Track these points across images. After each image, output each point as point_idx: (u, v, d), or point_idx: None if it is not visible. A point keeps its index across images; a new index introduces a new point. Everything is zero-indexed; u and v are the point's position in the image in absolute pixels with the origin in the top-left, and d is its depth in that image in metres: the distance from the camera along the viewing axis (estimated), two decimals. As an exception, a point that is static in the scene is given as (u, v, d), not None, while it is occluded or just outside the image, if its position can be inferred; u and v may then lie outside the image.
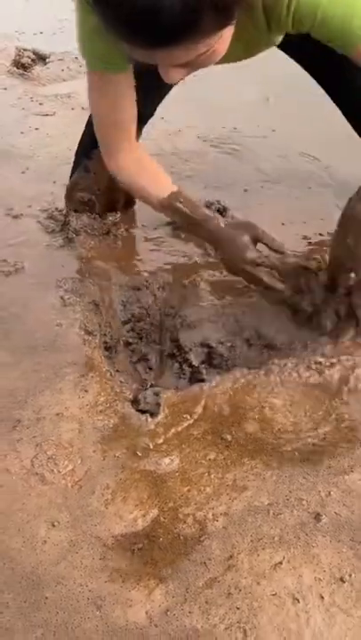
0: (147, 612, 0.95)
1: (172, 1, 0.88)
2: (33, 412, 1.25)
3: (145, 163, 1.47)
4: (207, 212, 1.43)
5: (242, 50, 1.30)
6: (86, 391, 1.31)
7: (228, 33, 1.06)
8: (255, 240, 1.41)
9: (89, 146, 1.68)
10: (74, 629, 0.93)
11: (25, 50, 2.84)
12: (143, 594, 0.97)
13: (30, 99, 2.47)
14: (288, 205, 1.90)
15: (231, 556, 1.02)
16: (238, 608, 0.96)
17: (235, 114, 2.39)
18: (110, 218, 1.80)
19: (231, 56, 1.19)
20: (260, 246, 1.43)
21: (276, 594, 0.98)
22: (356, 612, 0.96)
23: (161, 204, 1.42)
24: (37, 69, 2.72)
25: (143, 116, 1.57)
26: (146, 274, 1.60)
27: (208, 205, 1.82)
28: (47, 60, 2.80)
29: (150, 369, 1.46)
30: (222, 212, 1.82)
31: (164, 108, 2.43)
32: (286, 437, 1.22)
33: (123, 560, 1.02)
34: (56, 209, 1.83)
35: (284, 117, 2.30)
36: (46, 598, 0.97)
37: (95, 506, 1.09)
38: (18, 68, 2.67)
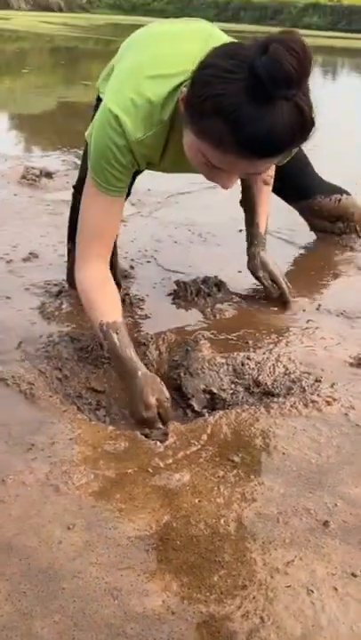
0: (163, 601, 0.96)
1: (286, 128, 1.12)
2: (47, 437, 1.29)
3: (108, 284, 1.53)
4: (134, 354, 1.43)
5: None
6: (97, 423, 1.36)
7: None
8: (159, 403, 1.40)
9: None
10: (91, 615, 0.93)
11: (33, 168, 3.13)
12: (159, 585, 0.98)
13: (39, 201, 2.71)
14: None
15: (244, 555, 1.04)
16: (254, 598, 0.97)
17: (219, 214, 2.65)
18: (122, 291, 1.93)
19: None
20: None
21: (290, 586, 0.99)
22: (371, 601, 0.97)
23: (100, 326, 1.45)
24: (44, 181, 2.98)
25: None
26: (151, 332, 1.70)
27: (206, 280, 1.98)
28: (53, 176, 3.07)
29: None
30: (219, 285, 1.97)
31: (169, 213, 2.69)
32: (291, 460, 1.27)
33: (138, 558, 1.03)
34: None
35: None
36: (63, 589, 0.97)
37: (109, 513, 1.11)
38: (27, 180, 2.93)
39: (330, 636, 0.92)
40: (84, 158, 1.85)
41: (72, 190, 1.88)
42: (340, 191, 2.38)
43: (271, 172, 1.85)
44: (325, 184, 2.34)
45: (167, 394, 1.41)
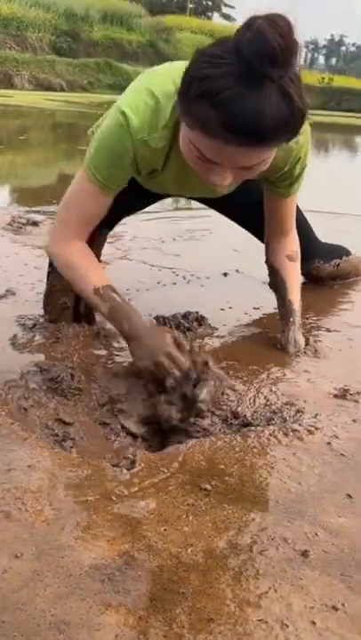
0: (116, 636, 0.84)
1: (272, 111, 1.11)
2: (3, 464, 1.19)
3: (89, 254, 1.58)
4: (134, 308, 1.48)
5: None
6: (60, 450, 1.26)
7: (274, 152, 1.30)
8: (176, 342, 1.43)
9: None
10: (32, 651, 0.81)
11: (20, 217, 3.12)
12: (113, 618, 0.86)
13: (22, 245, 2.68)
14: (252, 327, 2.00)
15: (212, 587, 0.93)
16: (220, 633, 0.85)
17: (204, 259, 2.62)
18: (97, 325, 1.85)
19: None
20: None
21: (262, 619, 0.87)
22: (353, 637, 0.85)
23: (95, 290, 1.49)
24: (30, 228, 2.96)
25: (111, 225, 1.88)
26: (127, 364, 1.62)
27: (186, 315, 1.91)
28: (39, 224, 3.05)
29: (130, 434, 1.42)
30: (200, 320, 1.90)
31: (154, 257, 2.66)
32: (269, 489, 1.16)
33: (91, 589, 0.91)
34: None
35: (243, 260, 2.50)
36: (3, 622, 0.85)
37: (64, 541, 1.00)
38: (12, 227, 2.91)
39: (306, 674, 0.79)
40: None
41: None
42: (340, 254, 2.35)
43: (294, 247, 1.82)
44: (325, 248, 2.31)
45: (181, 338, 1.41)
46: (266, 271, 2.28)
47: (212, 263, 2.61)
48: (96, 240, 1.77)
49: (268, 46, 1.06)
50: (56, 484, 1.14)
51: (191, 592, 0.91)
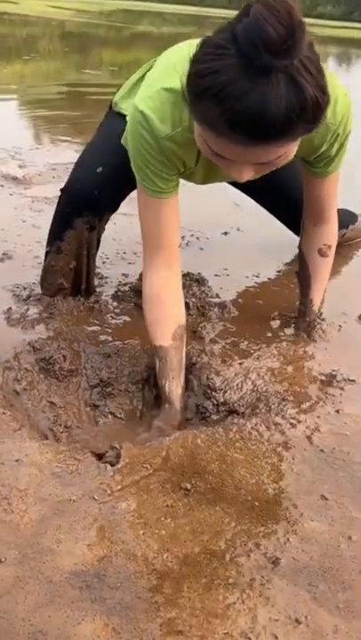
0: (91, 647, 0.90)
1: (279, 105, 1.01)
2: (-8, 458, 1.23)
3: (164, 298, 1.52)
4: (167, 385, 1.46)
5: None
6: (49, 441, 1.31)
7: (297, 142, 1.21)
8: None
9: (61, 228, 1.77)
10: (11, 662, 0.88)
11: (22, 160, 3.07)
12: (88, 629, 0.92)
13: (20, 197, 2.65)
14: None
15: (183, 596, 0.98)
16: (188, 646, 0.91)
17: (204, 216, 2.58)
18: (93, 298, 1.86)
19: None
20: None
21: (228, 632, 0.93)
22: (311, 653, 0.91)
23: (152, 347, 1.51)
24: (30, 176, 2.91)
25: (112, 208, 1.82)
26: (118, 343, 1.64)
27: (188, 275, 1.92)
28: (40, 171, 3.00)
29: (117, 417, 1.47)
30: (200, 282, 1.92)
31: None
32: (247, 488, 1.21)
33: (70, 597, 0.97)
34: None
35: (244, 216, 2.46)
36: (-15, 631, 0.91)
37: (46, 544, 1.06)
38: (11, 174, 2.87)
39: None
40: (80, 159, 1.79)
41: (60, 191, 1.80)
42: (346, 223, 2.26)
43: (328, 241, 1.72)
44: None
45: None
46: (268, 231, 2.22)
47: (212, 220, 2.56)
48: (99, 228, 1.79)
49: (265, 36, 0.96)
50: (42, 481, 1.19)
51: (163, 602, 0.97)
